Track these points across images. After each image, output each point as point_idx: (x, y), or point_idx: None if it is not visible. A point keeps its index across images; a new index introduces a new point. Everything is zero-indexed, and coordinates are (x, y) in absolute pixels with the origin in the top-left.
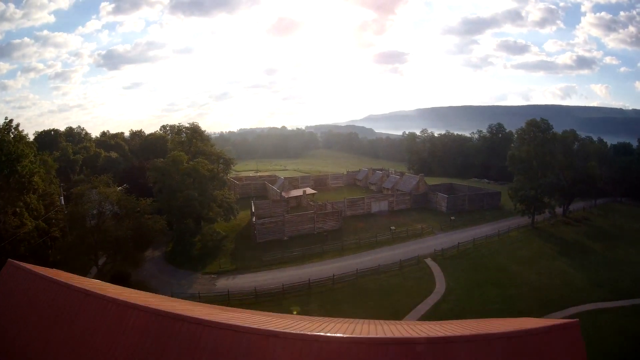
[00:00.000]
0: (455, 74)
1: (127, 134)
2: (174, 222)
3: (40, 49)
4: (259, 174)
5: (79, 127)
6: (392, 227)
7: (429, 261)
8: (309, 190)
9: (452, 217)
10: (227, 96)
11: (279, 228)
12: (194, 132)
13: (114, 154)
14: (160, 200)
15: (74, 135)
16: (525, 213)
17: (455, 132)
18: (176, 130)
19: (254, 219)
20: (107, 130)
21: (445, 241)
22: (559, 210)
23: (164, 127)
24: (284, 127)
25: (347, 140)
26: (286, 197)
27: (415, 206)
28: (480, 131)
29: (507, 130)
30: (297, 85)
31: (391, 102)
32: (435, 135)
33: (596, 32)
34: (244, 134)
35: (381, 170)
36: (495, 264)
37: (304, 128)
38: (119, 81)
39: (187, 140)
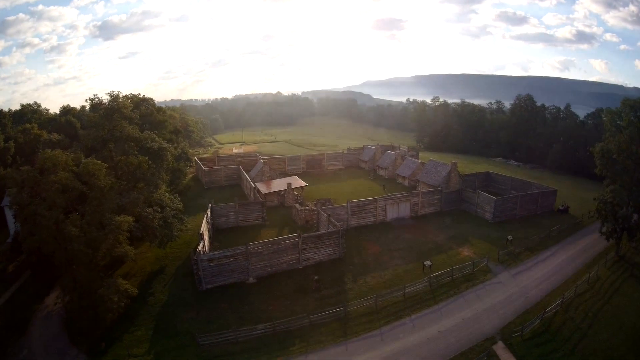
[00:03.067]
0: (453, 42)
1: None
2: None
3: (36, 24)
4: (243, 147)
5: (35, 103)
6: (427, 263)
7: (501, 351)
8: (297, 182)
9: (510, 237)
10: (223, 63)
11: (239, 265)
12: (111, 109)
13: (55, 137)
14: (22, 238)
15: (27, 114)
16: (611, 236)
17: (475, 102)
18: (94, 103)
19: (198, 249)
20: (67, 105)
21: (514, 292)
22: None
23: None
24: (279, 93)
25: (346, 107)
26: (264, 192)
27: (447, 209)
28: (499, 102)
29: (538, 104)
30: (294, 51)
31: (388, 69)
32: (450, 103)
33: (596, 9)
34: (236, 101)
35: (392, 148)
36: (606, 352)
37: (300, 94)
38: (114, 51)
39: (105, 121)
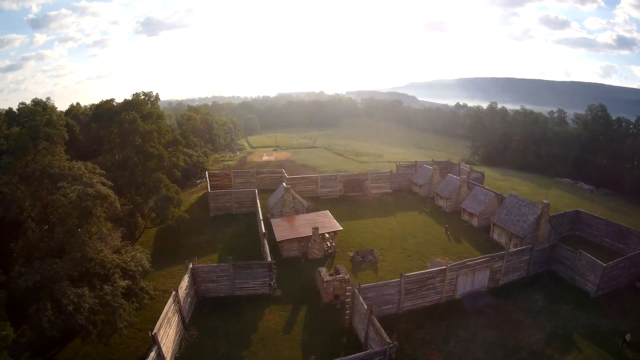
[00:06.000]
0: (496, 45)
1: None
2: None
3: (78, 19)
4: (275, 154)
5: (44, 99)
6: None
7: None
8: (328, 222)
9: (628, 338)
10: (267, 60)
11: None
12: (28, 126)
13: (43, 144)
14: None
15: (25, 115)
16: None
17: (535, 109)
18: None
19: None
20: (77, 103)
21: None
22: None
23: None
24: (322, 93)
25: (391, 108)
26: (279, 239)
27: (534, 272)
28: (561, 110)
29: (612, 117)
30: (338, 50)
31: (432, 70)
32: (508, 110)
33: (636, 14)
34: (277, 99)
35: (450, 166)
36: None
37: (344, 93)
38: (158, 47)
39: (28, 141)
